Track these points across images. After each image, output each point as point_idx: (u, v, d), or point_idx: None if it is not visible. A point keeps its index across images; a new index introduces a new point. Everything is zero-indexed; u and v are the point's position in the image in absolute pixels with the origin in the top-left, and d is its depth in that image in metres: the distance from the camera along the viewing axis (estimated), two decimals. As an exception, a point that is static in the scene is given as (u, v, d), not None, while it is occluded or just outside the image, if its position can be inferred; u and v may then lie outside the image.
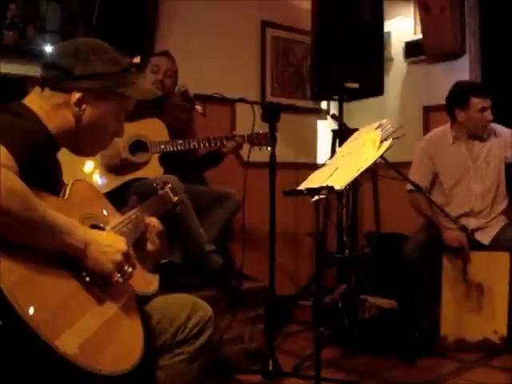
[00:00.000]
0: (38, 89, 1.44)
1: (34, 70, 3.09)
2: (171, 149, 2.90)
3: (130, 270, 1.36)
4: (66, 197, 1.37)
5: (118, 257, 1.32)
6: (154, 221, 1.68)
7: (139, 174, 2.84)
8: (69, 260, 1.25)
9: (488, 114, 3.23)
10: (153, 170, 2.85)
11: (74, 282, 1.25)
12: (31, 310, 1.09)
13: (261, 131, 2.93)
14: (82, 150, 1.53)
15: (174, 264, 2.89)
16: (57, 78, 1.41)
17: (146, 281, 1.55)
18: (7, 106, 1.35)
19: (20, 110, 1.36)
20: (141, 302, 1.48)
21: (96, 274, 1.29)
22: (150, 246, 1.64)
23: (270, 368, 2.58)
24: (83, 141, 1.48)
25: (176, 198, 1.85)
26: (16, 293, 1.08)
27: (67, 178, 1.58)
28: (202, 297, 2.71)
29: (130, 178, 2.81)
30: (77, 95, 1.41)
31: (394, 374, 2.81)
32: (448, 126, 3.39)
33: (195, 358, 1.56)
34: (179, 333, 1.55)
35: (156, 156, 2.89)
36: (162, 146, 2.89)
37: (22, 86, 2.95)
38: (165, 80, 3.05)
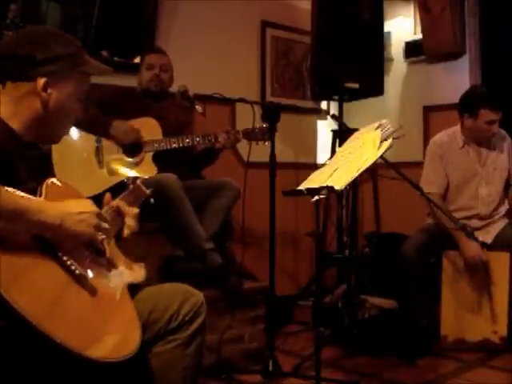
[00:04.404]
0: None
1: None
2: (165, 147, 2.90)
3: (106, 225, 1.39)
4: (42, 196, 1.37)
5: (94, 219, 1.35)
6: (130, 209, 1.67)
7: (133, 173, 2.84)
8: (57, 254, 1.26)
9: (494, 127, 3.19)
10: (147, 169, 2.85)
11: (64, 276, 1.26)
12: (29, 308, 1.09)
13: (256, 126, 2.93)
14: (50, 137, 1.54)
15: (178, 257, 2.91)
16: (18, 67, 1.41)
17: (133, 270, 1.56)
18: None
19: None
20: (131, 291, 1.49)
21: (79, 244, 1.31)
22: (126, 232, 1.61)
23: (270, 368, 2.58)
24: (51, 127, 1.49)
25: (148, 191, 1.84)
26: (12, 292, 1.09)
27: (63, 177, 1.59)
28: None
29: (124, 179, 2.80)
30: (42, 80, 1.41)
31: (394, 374, 2.81)
32: (457, 128, 3.35)
33: (189, 343, 1.57)
34: (172, 320, 1.56)
35: (149, 155, 2.90)
36: (156, 145, 2.90)
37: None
38: (161, 74, 3.08)
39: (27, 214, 1.20)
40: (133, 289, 1.51)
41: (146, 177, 2.76)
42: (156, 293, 1.61)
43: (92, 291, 1.29)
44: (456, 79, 3.92)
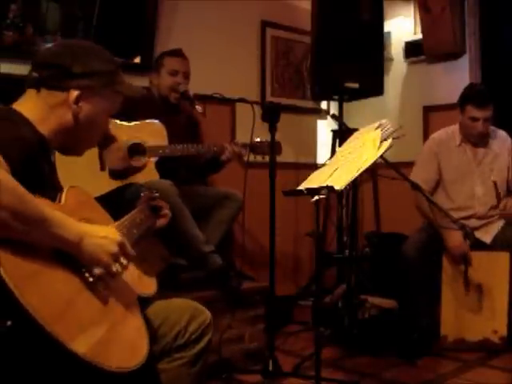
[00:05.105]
0: (31, 91, 1.44)
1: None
2: (169, 154, 2.87)
3: (125, 262, 1.36)
4: (62, 202, 1.37)
5: (114, 248, 1.31)
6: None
7: (135, 178, 2.81)
8: (71, 259, 1.26)
9: (478, 125, 3.19)
10: (149, 175, 2.83)
11: (77, 282, 1.25)
12: (40, 308, 1.09)
13: (264, 140, 2.92)
14: (75, 148, 1.55)
15: (180, 265, 2.90)
16: (54, 76, 1.42)
17: (144, 283, 1.56)
18: None
19: (8, 115, 1.36)
20: (141, 304, 1.48)
21: (94, 266, 1.29)
22: (159, 222, 1.77)
23: (270, 368, 2.58)
24: (78, 139, 1.50)
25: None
26: (24, 291, 1.08)
27: (62, 181, 1.58)
28: (202, 297, 2.72)
29: (126, 183, 2.78)
30: (75, 93, 1.42)
31: (393, 374, 2.81)
32: (457, 126, 3.36)
33: (195, 362, 1.58)
34: (179, 337, 1.56)
35: (153, 161, 2.88)
36: (160, 151, 2.87)
37: (21, 86, 2.94)
38: (183, 82, 3.06)
39: (50, 224, 1.19)
40: (143, 302, 1.50)
41: (145, 181, 2.77)
42: (166, 307, 1.61)
43: (103, 300, 1.29)
44: (456, 79, 3.92)
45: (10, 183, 1.13)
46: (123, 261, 1.36)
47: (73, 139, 1.49)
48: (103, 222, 1.48)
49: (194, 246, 2.79)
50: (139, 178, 2.81)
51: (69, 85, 1.42)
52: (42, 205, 1.20)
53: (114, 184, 2.77)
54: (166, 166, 2.90)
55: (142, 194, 1.79)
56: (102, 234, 1.31)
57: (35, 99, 1.43)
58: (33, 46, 3.16)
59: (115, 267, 1.32)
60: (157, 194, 1.82)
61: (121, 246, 1.34)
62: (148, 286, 1.57)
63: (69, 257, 1.26)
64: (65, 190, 1.41)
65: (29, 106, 1.43)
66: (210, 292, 2.79)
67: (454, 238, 3.11)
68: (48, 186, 1.39)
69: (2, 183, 1.11)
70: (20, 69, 3.06)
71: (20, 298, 1.07)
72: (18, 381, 1.14)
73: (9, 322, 1.07)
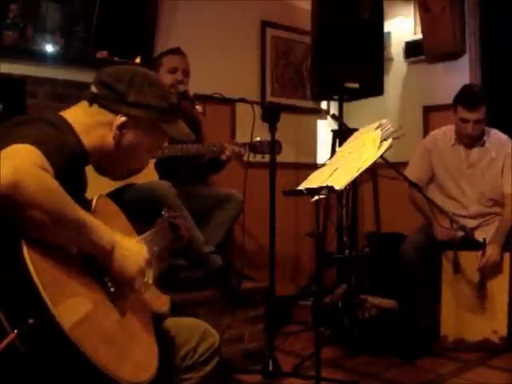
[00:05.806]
0: (84, 102, 1.46)
1: (33, 70, 3.11)
2: (169, 154, 2.87)
3: (150, 281, 1.38)
4: (92, 209, 1.38)
5: (142, 262, 1.33)
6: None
7: (134, 179, 2.80)
8: (96, 267, 1.26)
9: (468, 127, 3.19)
10: (148, 176, 2.81)
11: (100, 291, 1.26)
12: (64, 311, 1.09)
13: (264, 139, 2.92)
14: (108, 171, 1.56)
15: (179, 265, 2.90)
16: (109, 97, 1.44)
17: (160, 300, 1.56)
18: (45, 117, 1.37)
19: (58, 123, 1.38)
20: (155, 320, 1.49)
21: (119, 277, 1.30)
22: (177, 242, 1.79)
23: (270, 368, 2.58)
24: (112, 163, 1.51)
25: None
26: (50, 292, 1.08)
27: None
28: (202, 297, 2.72)
29: (125, 184, 2.78)
30: (122, 119, 1.44)
31: (393, 374, 2.81)
32: (453, 126, 3.37)
33: None
34: (188, 358, 1.56)
35: (152, 161, 2.87)
36: (160, 151, 2.87)
37: (21, 86, 2.95)
38: (184, 79, 3.06)
39: (89, 230, 1.21)
40: (156, 318, 1.50)
41: (143, 182, 2.76)
42: (177, 325, 1.62)
43: (122, 312, 1.29)
44: (456, 79, 3.92)
45: (55, 188, 1.14)
46: (148, 279, 1.37)
47: (108, 161, 1.50)
48: (127, 234, 1.48)
49: (193, 246, 2.78)
50: (138, 179, 2.79)
51: (119, 109, 1.44)
52: (81, 210, 1.21)
53: (114, 185, 2.76)
54: (166, 166, 2.90)
55: (163, 213, 1.80)
56: (132, 247, 1.32)
57: (85, 112, 1.45)
58: (33, 46, 3.17)
59: (138, 284, 1.33)
60: (177, 214, 1.84)
61: (147, 262, 1.35)
62: (163, 302, 1.57)
63: (94, 263, 1.26)
64: (95, 199, 1.42)
65: (77, 116, 1.44)
66: (209, 292, 2.79)
67: (442, 223, 3.11)
68: (81, 195, 1.41)
69: (48, 187, 1.12)
70: (20, 69, 3.06)
71: (45, 299, 1.06)
72: (33, 379, 1.14)
73: (31, 320, 1.07)
